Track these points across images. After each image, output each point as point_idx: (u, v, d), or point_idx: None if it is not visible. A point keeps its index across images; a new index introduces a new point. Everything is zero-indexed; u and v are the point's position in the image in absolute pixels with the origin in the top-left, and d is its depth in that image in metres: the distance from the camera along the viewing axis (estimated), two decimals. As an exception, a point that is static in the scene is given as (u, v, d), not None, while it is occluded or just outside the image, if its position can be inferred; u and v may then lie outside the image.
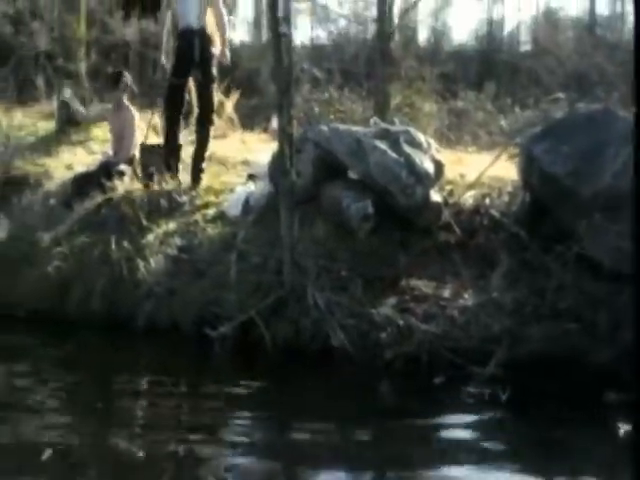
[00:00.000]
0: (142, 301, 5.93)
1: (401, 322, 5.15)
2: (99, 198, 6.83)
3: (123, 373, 5.26)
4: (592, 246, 5.23)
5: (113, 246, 6.24)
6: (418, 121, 10.45)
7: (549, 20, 23.68)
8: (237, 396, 4.80)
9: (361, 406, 4.64)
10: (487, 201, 6.21)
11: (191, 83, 7.23)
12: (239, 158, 8.21)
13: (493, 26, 25.20)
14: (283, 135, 5.67)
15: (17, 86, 9.84)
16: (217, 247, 6.09)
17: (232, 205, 6.48)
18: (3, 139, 8.38)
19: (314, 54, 15.15)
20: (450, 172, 6.52)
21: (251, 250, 5.87)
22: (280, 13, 5.62)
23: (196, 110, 7.44)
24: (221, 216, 6.48)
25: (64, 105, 8.94)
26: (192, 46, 6.88)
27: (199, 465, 3.93)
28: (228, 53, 7.17)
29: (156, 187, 6.79)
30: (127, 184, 7.06)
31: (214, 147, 8.40)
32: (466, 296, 5.37)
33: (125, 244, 6.24)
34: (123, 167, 7.26)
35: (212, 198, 6.77)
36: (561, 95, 10.08)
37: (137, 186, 6.98)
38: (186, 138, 7.56)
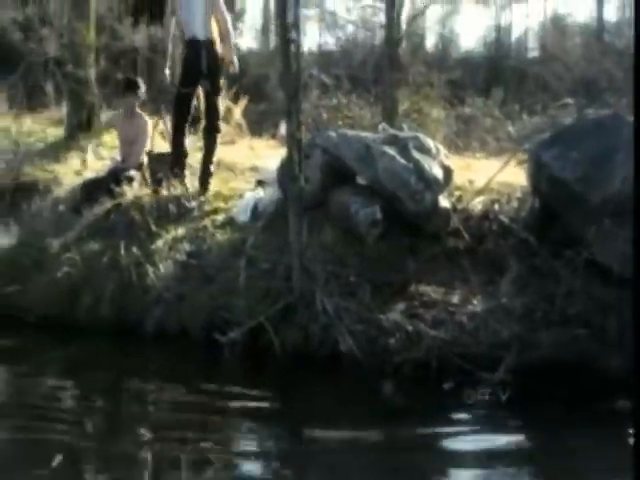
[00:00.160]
0: (151, 307, 5.93)
1: (410, 328, 5.15)
2: (108, 204, 6.84)
3: (132, 378, 5.27)
4: (601, 252, 5.22)
5: (122, 252, 6.24)
6: (426, 127, 10.46)
7: (557, 26, 23.69)
8: (247, 402, 4.80)
9: (370, 412, 4.64)
10: (496, 207, 6.21)
11: (199, 90, 7.25)
12: (247, 164, 8.23)
13: (501, 32, 25.25)
14: (292, 141, 5.68)
15: (26, 92, 9.89)
16: (226, 253, 6.10)
17: (241, 211, 6.50)
18: (13, 145, 8.40)
19: (322, 60, 15.17)
20: (459, 178, 6.52)
21: (260, 256, 5.87)
22: (289, 19, 5.63)
23: (203, 118, 7.45)
24: (230, 222, 6.49)
25: None
26: (199, 57, 6.91)
27: (208, 471, 3.94)
28: (236, 61, 7.19)
29: (165, 193, 6.81)
30: (136, 190, 7.07)
31: (222, 153, 8.41)
32: (475, 302, 5.36)
33: (134, 250, 6.24)
34: (133, 173, 7.28)
35: (221, 204, 6.78)
36: (570, 101, 10.08)
37: (146, 192, 7.00)
38: (194, 145, 7.58)
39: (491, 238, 5.94)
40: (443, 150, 6.29)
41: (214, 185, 7.15)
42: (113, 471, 3.93)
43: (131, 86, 7.56)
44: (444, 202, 5.99)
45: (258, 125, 11.18)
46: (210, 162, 7.16)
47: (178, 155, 7.07)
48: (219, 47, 7.02)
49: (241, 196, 6.78)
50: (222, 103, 9.39)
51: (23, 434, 4.28)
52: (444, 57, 20.50)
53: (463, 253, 5.84)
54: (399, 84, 9.05)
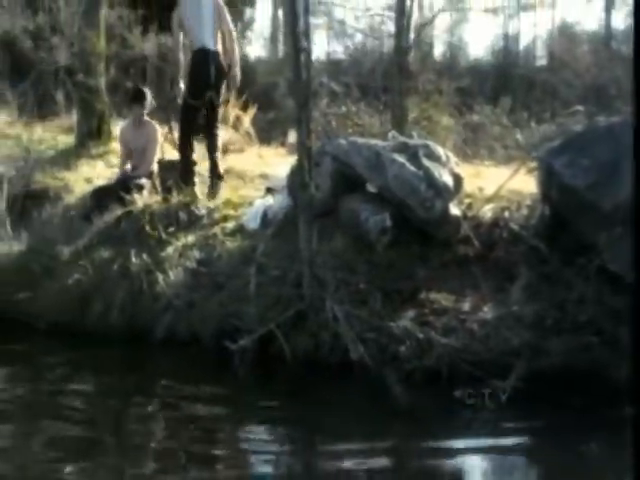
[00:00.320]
0: (161, 314, 5.95)
1: (420, 335, 5.14)
2: (118, 211, 6.87)
3: (143, 385, 5.28)
4: (612, 259, 5.20)
5: (132, 259, 6.28)
6: (436, 135, 10.46)
7: (565, 34, 23.67)
8: (257, 409, 4.81)
9: (381, 420, 4.63)
10: (506, 214, 6.19)
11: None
12: (257, 172, 8.25)
13: (509, 41, 25.24)
14: (302, 149, 5.69)
15: (37, 101, 9.93)
16: (236, 260, 6.11)
17: (251, 218, 6.51)
18: (23, 153, 8.44)
19: (331, 69, 15.20)
20: (468, 185, 6.51)
21: (270, 263, 5.88)
22: (299, 28, 5.65)
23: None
24: (240, 229, 6.50)
25: None
26: (208, 66, 6.95)
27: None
28: (238, 74, 7.23)
29: (175, 201, 6.82)
30: (146, 197, 7.10)
31: (232, 161, 8.47)
32: (486, 309, 5.35)
33: (144, 257, 6.27)
34: (143, 181, 7.31)
35: (231, 211, 6.80)
36: (580, 108, 10.06)
37: (156, 199, 7.02)
38: (204, 153, 7.59)
39: (501, 245, 5.93)
40: (453, 157, 6.29)
41: (224, 193, 7.18)
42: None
43: (137, 96, 7.60)
44: (454, 209, 5.99)
45: (267, 133, 11.21)
46: (215, 161, 7.18)
47: (186, 163, 7.11)
48: (224, 59, 7.07)
49: (251, 203, 6.80)
50: (232, 111, 9.48)
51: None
52: (452, 65, 20.49)
53: (473, 260, 5.84)
54: (408, 92, 9.05)
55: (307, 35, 5.74)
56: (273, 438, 4.47)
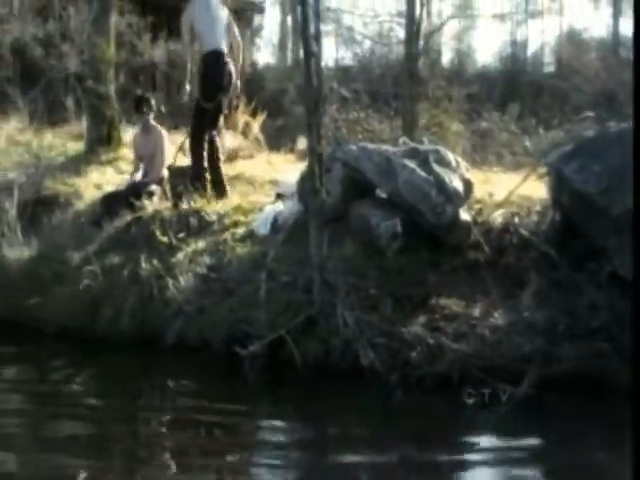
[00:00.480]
0: (172, 319, 5.95)
1: (431, 341, 5.13)
2: (128, 217, 6.88)
3: (153, 391, 5.29)
4: (623, 264, 5.18)
5: (143, 265, 6.28)
6: (446, 141, 10.45)
7: (573, 41, 23.68)
8: (268, 415, 4.80)
9: (392, 426, 4.62)
10: (516, 220, 6.18)
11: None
12: (267, 178, 8.25)
13: (517, 47, 25.27)
14: (312, 154, 5.69)
15: (47, 107, 9.94)
16: (246, 266, 6.10)
17: (261, 224, 6.51)
18: (34, 159, 8.46)
19: (340, 75, 15.23)
20: (478, 191, 6.50)
21: (280, 269, 5.87)
22: (310, 32, 5.66)
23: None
24: (250, 235, 6.50)
25: None
26: (222, 68, 6.97)
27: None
28: (239, 85, 7.29)
29: (185, 206, 6.84)
30: (156, 203, 7.12)
31: (242, 167, 8.48)
32: (496, 315, 5.34)
33: (155, 263, 6.28)
34: (153, 187, 7.33)
35: (241, 217, 6.79)
36: (590, 114, 10.05)
37: (166, 205, 7.03)
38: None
39: (512, 251, 5.92)
40: (463, 163, 6.28)
41: (234, 198, 7.18)
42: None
43: (141, 104, 7.63)
44: (464, 215, 5.99)
45: (276, 140, 11.22)
46: (218, 167, 7.21)
47: (198, 168, 7.10)
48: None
49: (261, 209, 6.80)
50: (241, 118, 9.51)
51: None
52: (460, 72, 20.50)
53: (484, 266, 5.82)
54: (419, 98, 9.05)
55: (318, 40, 5.75)
56: (283, 445, 4.45)
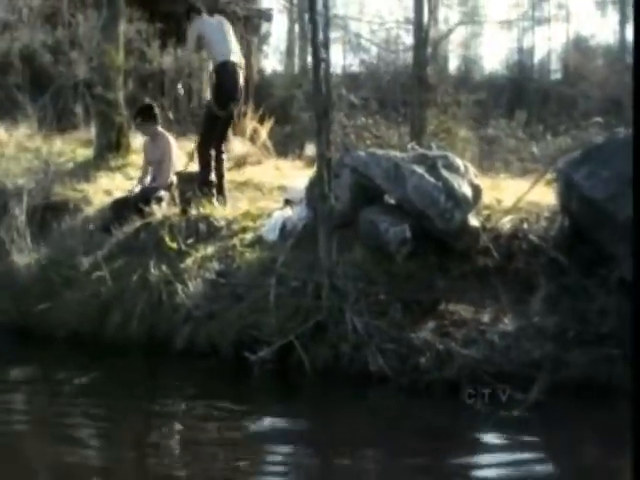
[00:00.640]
0: (181, 325, 5.97)
1: (441, 346, 5.13)
2: (138, 223, 6.91)
3: (162, 396, 5.29)
4: (631, 270, 5.17)
5: (152, 270, 6.30)
6: (454, 147, 10.46)
7: (579, 48, 23.69)
8: (277, 421, 4.80)
9: (400, 431, 4.61)
10: (525, 226, 6.18)
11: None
12: (275, 184, 8.28)
13: (524, 54, 25.29)
14: (321, 160, 5.71)
15: (56, 114, 9.97)
16: (255, 271, 6.12)
17: (269, 230, 6.52)
18: (43, 166, 8.50)
19: (347, 82, 15.26)
20: (486, 197, 6.51)
21: (289, 274, 5.88)
22: (319, 39, 5.68)
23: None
24: (259, 241, 6.51)
25: None
26: (235, 78, 7.03)
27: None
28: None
29: (194, 212, 6.86)
30: (165, 209, 7.14)
31: (250, 173, 8.50)
32: (506, 321, 5.34)
33: (164, 268, 6.29)
34: (162, 193, 7.36)
35: (249, 223, 6.81)
36: (599, 119, 10.05)
37: (175, 211, 7.06)
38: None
39: (521, 257, 5.92)
40: (472, 168, 6.29)
41: (242, 204, 7.20)
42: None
43: (145, 113, 7.68)
44: (473, 220, 5.99)
45: (283, 146, 11.25)
46: (222, 176, 7.25)
47: (206, 175, 7.13)
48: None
49: (269, 215, 6.81)
50: (249, 124, 9.54)
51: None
52: (467, 79, 20.53)
53: (493, 272, 5.82)
54: (427, 104, 9.06)
55: (326, 47, 5.77)
56: (292, 451, 4.45)
